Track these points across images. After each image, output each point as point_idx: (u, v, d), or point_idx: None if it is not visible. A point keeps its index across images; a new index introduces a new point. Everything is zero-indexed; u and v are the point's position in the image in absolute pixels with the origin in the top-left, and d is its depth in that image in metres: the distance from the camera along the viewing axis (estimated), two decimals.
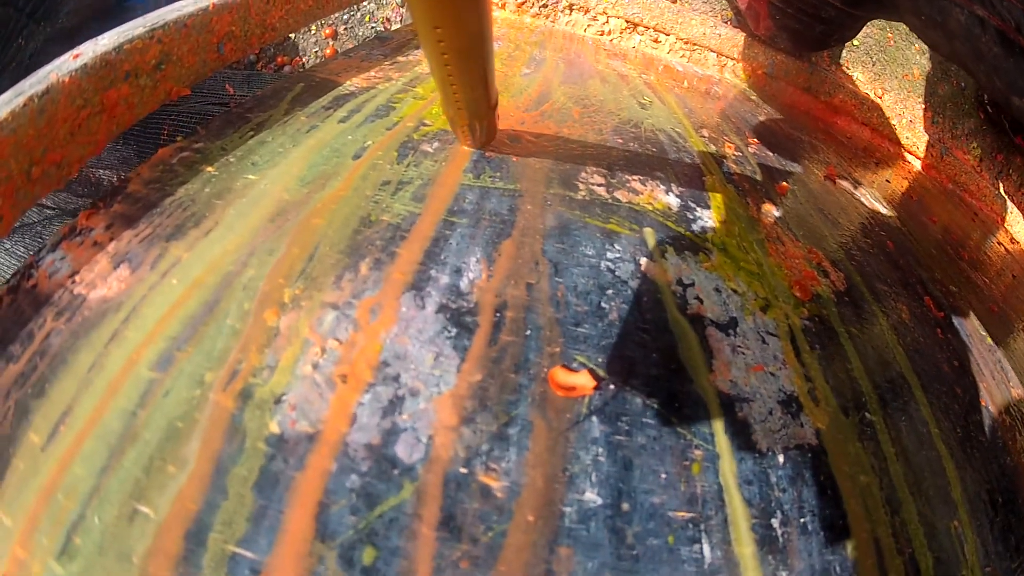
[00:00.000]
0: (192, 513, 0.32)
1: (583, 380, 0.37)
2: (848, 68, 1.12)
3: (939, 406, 0.50)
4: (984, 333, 0.65)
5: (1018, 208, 1.08)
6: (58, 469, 0.34)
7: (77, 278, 0.42)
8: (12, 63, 0.96)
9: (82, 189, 1.08)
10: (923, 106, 1.12)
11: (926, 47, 1.13)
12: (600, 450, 0.35)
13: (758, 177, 0.65)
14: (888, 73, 1.12)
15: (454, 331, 0.38)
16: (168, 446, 0.34)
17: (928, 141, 1.10)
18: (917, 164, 1.10)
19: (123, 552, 0.31)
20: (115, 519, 0.32)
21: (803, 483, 0.39)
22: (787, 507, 0.37)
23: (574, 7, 1.01)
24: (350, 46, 1.25)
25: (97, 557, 0.32)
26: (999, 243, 1.00)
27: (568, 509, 0.33)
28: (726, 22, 1.07)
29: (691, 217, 0.52)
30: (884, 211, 0.76)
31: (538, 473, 0.34)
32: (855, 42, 1.12)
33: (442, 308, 0.39)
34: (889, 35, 1.13)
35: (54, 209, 1.06)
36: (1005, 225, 1.08)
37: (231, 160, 0.49)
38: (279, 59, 1.29)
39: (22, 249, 1.03)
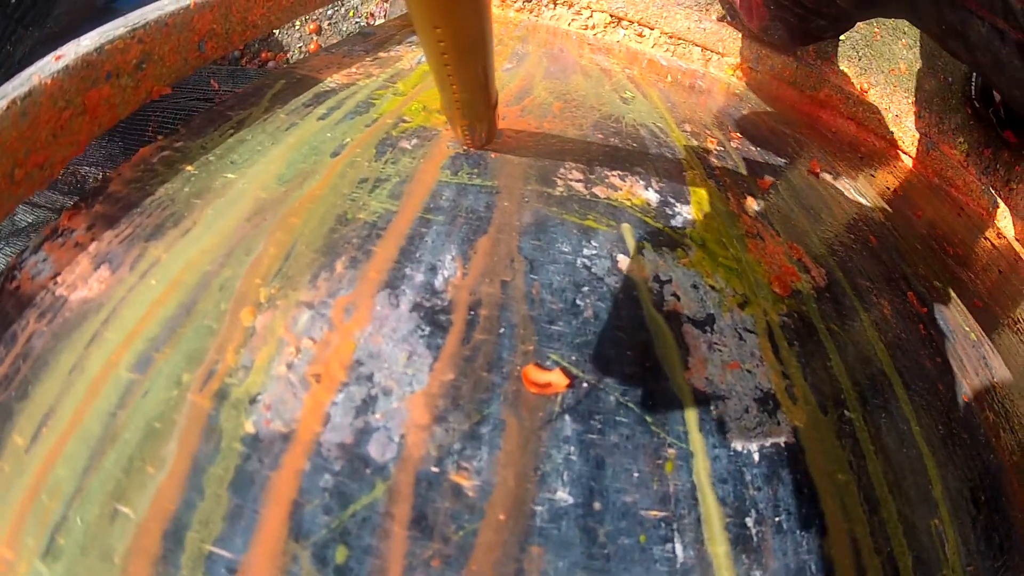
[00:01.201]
0: (170, 513, 0.32)
1: (556, 378, 0.37)
2: (834, 62, 1.11)
3: (921, 403, 0.50)
4: (968, 328, 0.65)
5: (1005, 203, 1.08)
6: (42, 470, 0.35)
7: (59, 279, 0.42)
8: (1, 68, 0.96)
9: (68, 187, 1.08)
10: (910, 101, 1.12)
11: (912, 42, 1.13)
12: (572, 449, 0.35)
13: (740, 172, 0.65)
14: (874, 68, 1.12)
15: (427, 330, 0.38)
16: (147, 446, 0.34)
17: (914, 136, 1.10)
18: (903, 159, 1.10)
19: (105, 552, 0.32)
20: (96, 519, 0.33)
21: (779, 481, 0.39)
22: (762, 506, 0.37)
23: (558, 2, 1.01)
24: (335, 41, 1.25)
25: (80, 557, 0.32)
26: (986, 238, 1.01)
27: (539, 508, 0.33)
28: (720, 19, 1.06)
29: (670, 213, 0.52)
30: (868, 206, 0.76)
31: (510, 472, 0.34)
32: (841, 37, 1.11)
33: (416, 307, 0.39)
34: (876, 30, 1.13)
35: (47, 208, 1.07)
36: (992, 220, 1.08)
37: (211, 159, 0.49)
38: (263, 55, 1.29)
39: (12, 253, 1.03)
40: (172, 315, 0.38)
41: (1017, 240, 1.05)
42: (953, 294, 0.69)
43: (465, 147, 0.53)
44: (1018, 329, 0.77)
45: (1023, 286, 0.92)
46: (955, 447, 0.49)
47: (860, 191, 0.80)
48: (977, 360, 0.61)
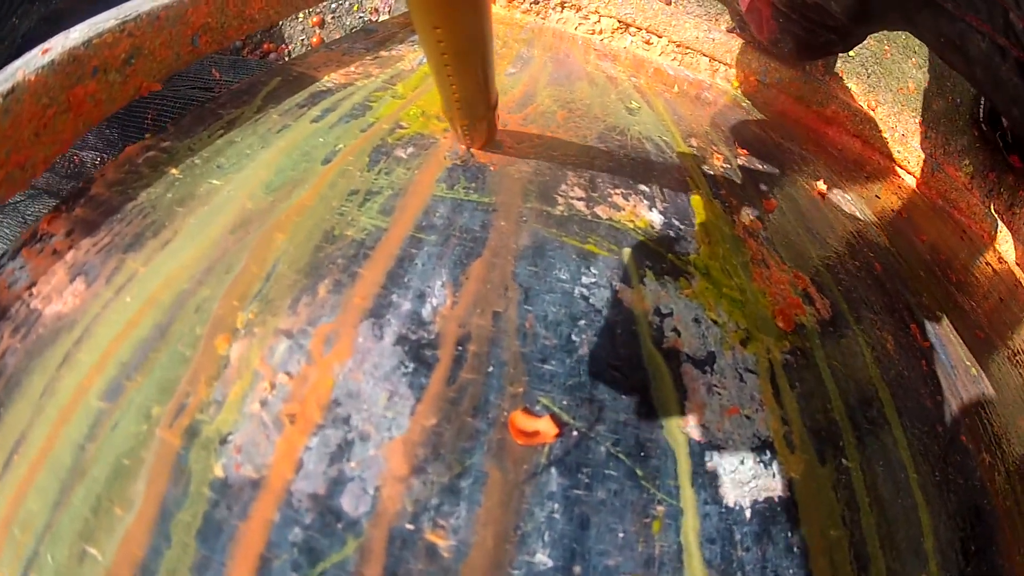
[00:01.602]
0: (138, 560, 0.31)
1: (545, 426, 0.35)
2: (842, 79, 1.10)
3: (919, 448, 0.48)
4: (969, 363, 0.64)
5: (1007, 227, 1.07)
6: (14, 500, 0.34)
7: (34, 290, 0.40)
8: (5, 42, 0.94)
9: (65, 171, 1.07)
10: (917, 121, 1.11)
11: (922, 61, 1.11)
12: (556, 506, 0.34)
13: (746, 192, 0.63)
14: (883, 86, 1.10)
15: (411, 366, 0.36)
16: (115, 485, 0.33)
17: (920, 156, 1.08)
18: (908, 179, 1.09)
19: None
20: (66, 559, 0.32)
21: (769, 540, 0.37)
22: (749, 567, 0.36)
23: (566, 5, 0.99)
24: (337, 36, 1.23)
25: None
26: (987, 263, 0.99)
27: (517, 573, 0.32)
28: (731, 30, 1.05)
29: (674, 236, 0.50)
30: (873, 229, 0.75)
31: (488, 532, 0.32)
32: (851, 53, 1.10)
33: (401, 339, 0.37)
34: (886, 47, 1.11)
35: (38, 189, 1.05)
36: (993, 244, 1.07)
37: (196, 162, 0.47)
38: (265, 46, 1.27)
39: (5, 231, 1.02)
40: (146, 337, 0.37)
41: (1018, 265, 1.04)
42: (955, 325, 0.68)
43: (464, 148, 0.52)
44: (1017, 361, 0.75)
45: (1022, 313, 0.91)
46: (950, 493, 0.48)
47: (864, 212, 0.78)
48: (977, 397, 0.60)
